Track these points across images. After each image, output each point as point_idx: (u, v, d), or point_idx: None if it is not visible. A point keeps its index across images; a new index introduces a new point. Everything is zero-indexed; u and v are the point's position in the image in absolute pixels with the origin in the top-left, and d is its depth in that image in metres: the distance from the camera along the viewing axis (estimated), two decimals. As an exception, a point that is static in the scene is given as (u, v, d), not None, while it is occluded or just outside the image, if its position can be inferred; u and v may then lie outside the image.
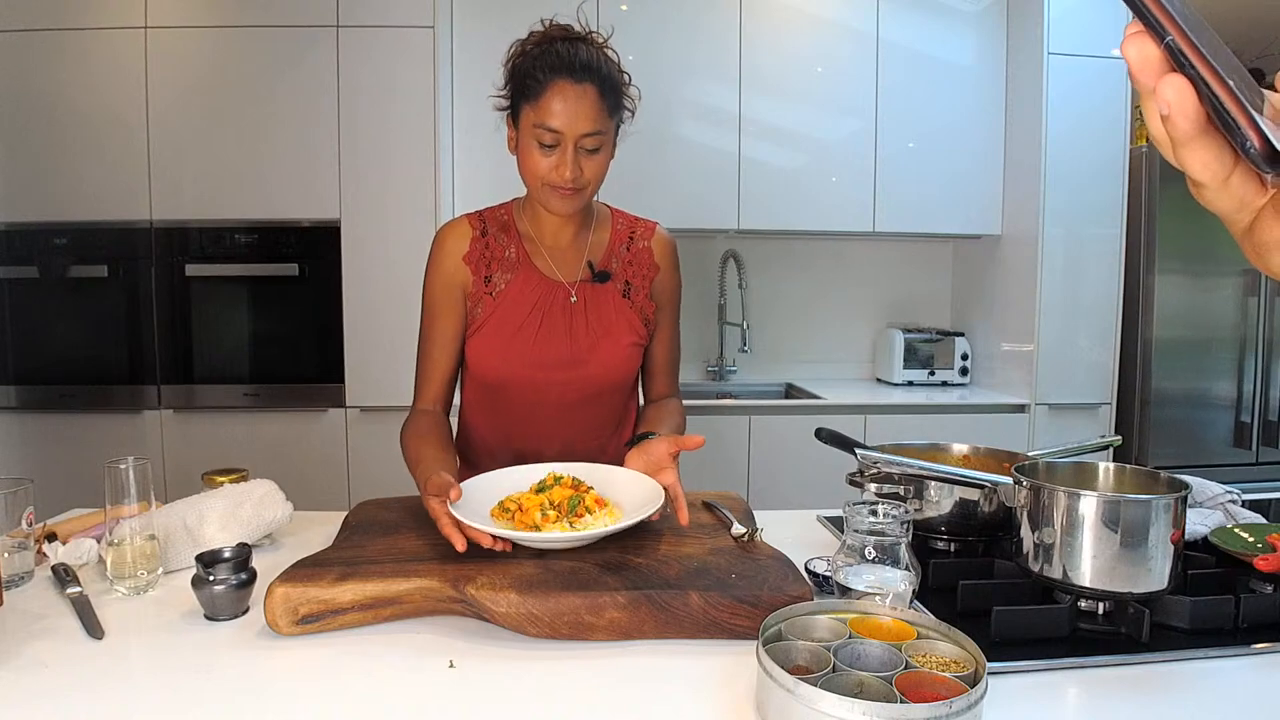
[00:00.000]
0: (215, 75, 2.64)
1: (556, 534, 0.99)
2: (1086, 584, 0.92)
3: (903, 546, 0.91)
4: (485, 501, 1.10)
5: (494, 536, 0.98)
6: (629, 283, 1.40)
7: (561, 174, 1.22)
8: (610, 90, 1.24)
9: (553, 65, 1.20)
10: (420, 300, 1.38)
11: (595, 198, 1.39)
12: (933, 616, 0.81)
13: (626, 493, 1.13)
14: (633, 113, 1.32)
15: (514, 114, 1.28)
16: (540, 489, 1.10)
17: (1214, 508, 1.26)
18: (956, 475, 1.14)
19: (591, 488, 1.12)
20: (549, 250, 1.38)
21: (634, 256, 1.41)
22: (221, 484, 1.27)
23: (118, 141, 2.63)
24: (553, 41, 1.24)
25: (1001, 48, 3.07)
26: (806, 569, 1.07)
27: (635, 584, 0.92)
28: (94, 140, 2.63)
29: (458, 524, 0.99)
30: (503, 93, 1.29)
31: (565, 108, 1.19)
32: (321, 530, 1.29)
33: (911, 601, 0.92)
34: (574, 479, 1.13)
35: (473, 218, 1.39)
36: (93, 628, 0.93)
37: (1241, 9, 3.04)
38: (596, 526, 1.02)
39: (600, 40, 1.27)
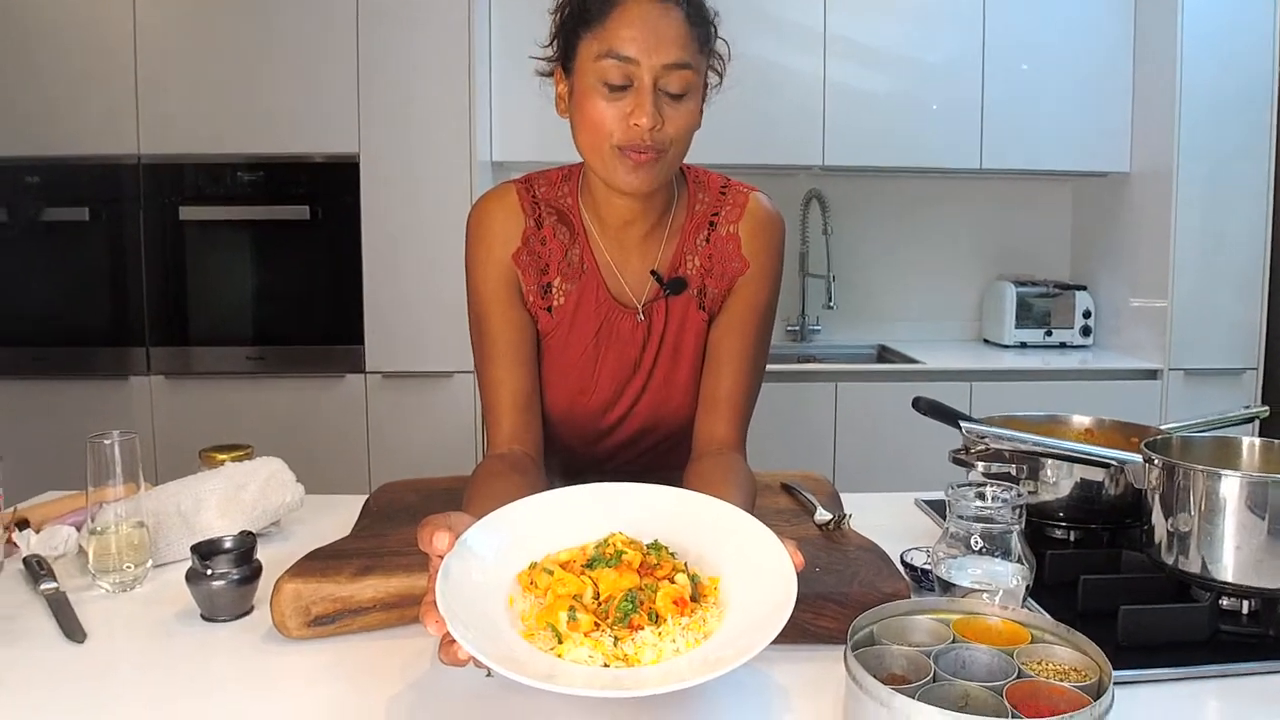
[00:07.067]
0: (214, -13, 2.59)
1: (573, 681, 0.64)
2: (1229, 579, 0.92)
3: (1014, 535, 0.91)
4: (521, 548, 0.79)
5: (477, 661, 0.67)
6: (705, 288, 1.17)
7: (638, 120, 0.99)
8: (699, 19, 1.05)
9: None
10: (466, 295, 1.17)
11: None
12: (1049, 617, 0.80)
13: (747, 574, 0.76)
14: (721, 75, 1.13)
15: (566, 59, 1.07)
16: (593, 561, 0.76)
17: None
18: (1077, 452, 1.15)
19: (684, 565, 0.77)
20: (615, 249, 1.17)
21: (715, 249, 1.17)
22: (222, 462, 1.27)
23: (100, 65, 2.55)
24: None
25: (1131, -50, 2.99)
26: (902, 561, 1.07)
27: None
28: (73, 65, 2.55)
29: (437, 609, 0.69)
30: (547, 46, 1.11)
31: (643, 30, 0.99)
32: (338, 517, 1.26)
33: (1024, 600, 0.92)
34: (652, 547, 0.78)
35: (524, 195, 1.17)
36: (72, 630, 0.92)
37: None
38: (649, 665, 0.67)
39: None
